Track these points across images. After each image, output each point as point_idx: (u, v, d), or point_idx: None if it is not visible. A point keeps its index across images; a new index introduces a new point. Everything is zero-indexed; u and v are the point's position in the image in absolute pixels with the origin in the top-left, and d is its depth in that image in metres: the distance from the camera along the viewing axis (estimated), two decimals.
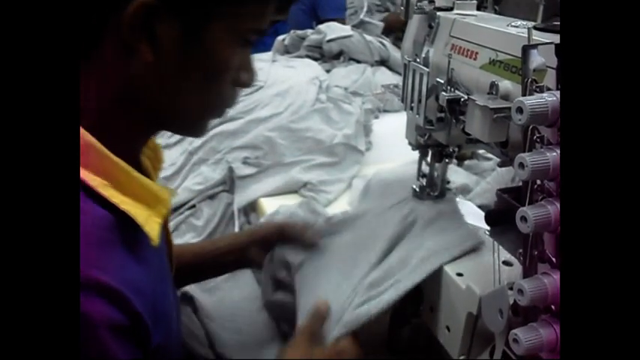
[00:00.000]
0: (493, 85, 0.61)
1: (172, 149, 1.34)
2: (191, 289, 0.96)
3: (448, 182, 0.87)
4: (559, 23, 0.58)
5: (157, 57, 0.52)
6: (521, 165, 0.46)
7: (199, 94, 0.57)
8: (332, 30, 1.88)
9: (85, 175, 0.50)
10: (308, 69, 1.64)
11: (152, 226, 0.54)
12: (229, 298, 0.99)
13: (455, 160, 0.85)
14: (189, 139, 1.35)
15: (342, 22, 2.49)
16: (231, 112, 1.38)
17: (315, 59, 1.82)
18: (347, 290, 0.76)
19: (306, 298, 0.79)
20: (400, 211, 0.83)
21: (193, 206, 1.23)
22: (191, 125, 0.62)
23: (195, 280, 0.95)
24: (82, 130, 0.50)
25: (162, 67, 0.53)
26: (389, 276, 0.74)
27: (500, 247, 0.64)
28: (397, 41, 2.01)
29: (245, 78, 0.61)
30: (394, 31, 2.63)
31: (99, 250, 0.49)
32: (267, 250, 0.88)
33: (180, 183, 1.28)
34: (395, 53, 1.83)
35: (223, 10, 0.54)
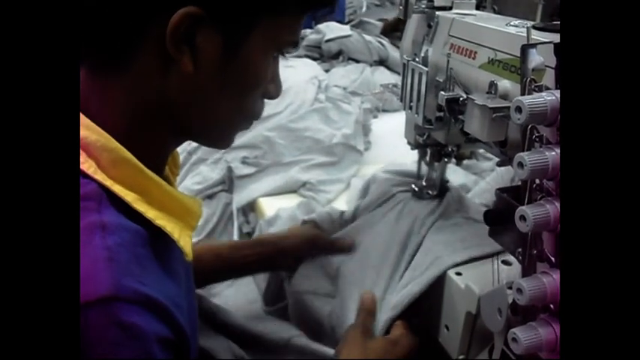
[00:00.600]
0: (492, 85, 0.61)
1: None
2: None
3: (447, 182, 0.87)
4: (558, 23, 0.59)
5: (196, 68, 0.51)
6: (520, 164, 0.46)
7: (233, 105, 0.57)
8: (331, 30, 1.89)
9: (119, 190, 0.49)
10: (307, 69, 1.65)
11: (185, 240, 0.54)
12: (233, 303, 0.99)
13: (454, 160, 0.85)
14: None
15: (340, 22, 2.49)
16: None
17: (314, 59, 1.83)
18: (383, 285, 0.78)
19: (350, 298, 0.80)
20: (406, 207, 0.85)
21: None
22: (220, 136, 0.61)
23: (215, 281, 0.95)
24: (117, 145, 0.50)
25: (201, 79, 0.52)
26: (422, 263, 0.77)
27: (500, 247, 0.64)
28: (395, 40, 2.01)
29: (273, 90, 0.61)
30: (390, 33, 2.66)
31: (141, 265, 0.48)
32: (297, 259, 0.89)
33: (180, 183, 1.28)
34: (394, 53, 1.84)
35: (263, 21, 0.53)
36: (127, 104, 0.52)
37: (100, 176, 0.48)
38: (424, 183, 0.87)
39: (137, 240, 0.49)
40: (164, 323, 0.47)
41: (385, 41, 1.91)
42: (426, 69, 0.72)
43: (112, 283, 0.44)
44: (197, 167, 1.32)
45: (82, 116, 0.49)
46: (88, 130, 0.49)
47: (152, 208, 0.51)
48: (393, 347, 0.72)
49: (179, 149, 0.67)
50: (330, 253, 0.89)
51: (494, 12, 0.82)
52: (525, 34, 0.54)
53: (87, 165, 0.48)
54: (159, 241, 0.52)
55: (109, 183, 0.49)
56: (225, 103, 0.56)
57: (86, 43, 0.49)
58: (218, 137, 0.61)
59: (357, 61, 1.81)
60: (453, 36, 0.70)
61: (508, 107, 0.53)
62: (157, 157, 0.57)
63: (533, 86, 0.50)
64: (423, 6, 0.76)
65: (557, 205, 0.46)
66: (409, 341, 0.73)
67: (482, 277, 0.68)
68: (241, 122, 0.60)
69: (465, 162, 1.23)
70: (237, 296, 1.05)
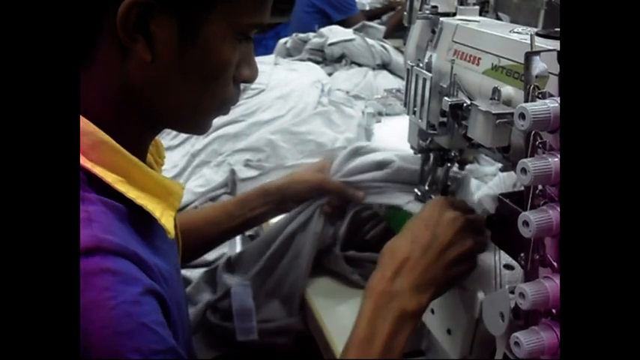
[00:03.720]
0: (495, 91, 0.61)
1: (174, 151, 1.35)
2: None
3: (449, 186, 0.88)
4: None
5: (154, 56, 0.52)
6: (524, 170, 0.46)
7: (200, 91, 0.57)
8: (334, 33, 1.89)
9: (100, 171, 0.50)
10: (310, 72, 1.65)
11: (167, 219, 0.55)
12: None
13: (456, 165, 0.85)
14: (191, 141, 1.35)
15: (360, 16, 2.50)
16: (232, 114, 1.39)
17: (317, 62, 1.83)
18: None
19: None
20: None
21: (195, 208, 1.24)
22: (193, 123, 0.62)
23: (228, 238, 0.99)
24: (94, 128, 0.51)
25: (161, 67, 0.53)
26: None
27: (501, 251, 0.65)
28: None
29: (247, 74, 0.61)
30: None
31: (120, 231, 0.49)
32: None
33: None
34: (397, 57, 1.84)
35: (219, 6, 0.53)
36: (96, 93, 0.53)
37: (80, 160, 0.49)
38: (427, 187, 0.87)
39: (115, 214, 0.50)
40: (149, 277, 0.48)
41: (388, 45, 1.91)
42: (430, 74, 0.73)
43: (94, 236, 0.45)
44: (200, 170, 1.33)
45: None
46: None
47: (133, 189, 0.52)
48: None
49: (181, 152, 0.68)
50: (338, 197, 0.90)
51: (497, 18, 0.83)
52: (528, 41, 0.54)
53: None
54: (140, 220, 0.53)
55: (89, 165, 0.49)
56: (190, 89, 0.56)
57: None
58: (190, 123, 0.62)
59: (360, 65, 1.81)
60: (456, 42, 0.70)
61: (511, 113, 0.53)
62: (135, 144, 0.58)
63: (536, 93, 0.50)
64: (427, 12, 0.76)
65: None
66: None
67: (484, 281, 0.68)
68: (214, 108, 0.60)
69: (468, 167, 1.24)
70: None
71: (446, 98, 0.68)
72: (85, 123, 0.51)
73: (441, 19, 0.74)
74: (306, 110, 1.42)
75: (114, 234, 0.47)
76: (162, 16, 0.51)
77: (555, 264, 0.50)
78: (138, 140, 0.59)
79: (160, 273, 0.51)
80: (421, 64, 0.76)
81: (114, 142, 0.52)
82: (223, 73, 0.58)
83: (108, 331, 0.43)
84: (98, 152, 0.50)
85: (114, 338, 0.43)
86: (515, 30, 0.64)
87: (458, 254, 0.63)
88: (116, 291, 0.44)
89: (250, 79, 0.62)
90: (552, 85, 0.51)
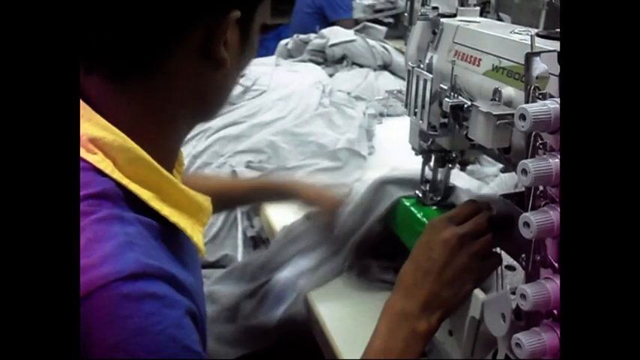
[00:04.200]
0: (496, 92, 0.61)
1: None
2: None
3: (451, 187, 0.88)
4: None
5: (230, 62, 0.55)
6: (524, 171, 0.46)
7: (235, 82, 0.61)
8: (335, 34, 1.89)
9: (135, 188, 0.51)
10: (311, 73, 1.65)
11: (198, 237, 0.56)
12: None
13: (458, 165, 0.85)
14: (193, 142, 1.36)
15: (351, 22, 2.50)
16: (234, 116, 1.39)
17: (318, 63, 1.83)
18: None
19: None
20: None
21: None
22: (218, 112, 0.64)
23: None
24: (132, 144, 0.51)
25: (230, 69, 0.56)
26: None
27: (503, 252, 0.65)
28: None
29: None
30: None
31: (157, 253, 0.50)
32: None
33: None
34: (398, 58, 1.84)
35: (259, 7, 0.57)
36: (149, 105, 0.54)
37: (117, 175, 0.50)
38: (428, 188, 0.87)
39: (151, 232, 0.50)
40: (185, 297, 0.49)
41: (389, 46, 1.92)
42: (431, 76, 0.73)
43: (139, 261, 0.46)
44: (201, 171, 1.33)
45: (99, 117, 0.51)
46: (105, 130, 0.50)
47: (166, 206, 0.53)
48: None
49: (183, 153, 0.68)
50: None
51: (498, 19, 0.83)
52: (529, 42, 0.54)
53: (104, 164, 0.49)
54: (171, 236, 0.53)
55: (125, 182, 0.50)
56: (235, 80, 0.61)
57: (104, 51, 0.50)
58: (215, 114, 0.64)
59: (361, 66, 1.81)
60: (457, 43, 0.70)
61: (512, 114, 0.53)
62: (170, 155, 0.59)
63: (537, 94, 0.50)
64: (428, 13, 0.77)
65: None
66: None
67: (485, 282, 0.68)
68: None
69: (469, 167, 1.24)
70: None
71: (447, 99, 0.68)
72: (123, 139, 0.51)
73: (442, 20, 0.74)
74: (307, 111, 1.42)
75: (154, 257, 0.47)
76: (234, 24, 0.54)
77: (556, 265, 0.50)
78: (174, 149, 0.61)
79: (192, 289, 0.52)
80: (422, 65, 0.76)
81: (151, 159, 0.52)
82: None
83: (155, 355, 0.44)
84: (135, 168, 0.51)
85: None
86: (516, 31, 0.64)
87: (454, 274, 0.65)
88: (161, 315, 0.45)
89: None
90: (553, 86, 0.51)
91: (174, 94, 0.55)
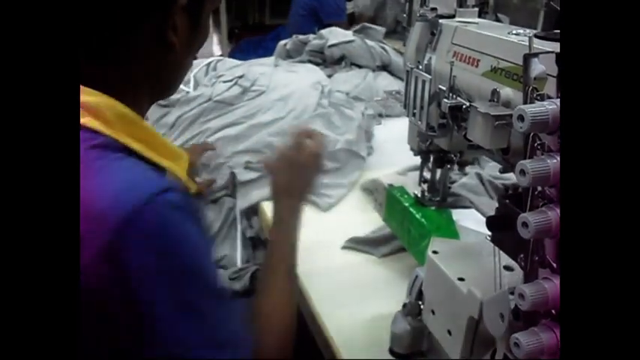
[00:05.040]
0: (494, 93, 0.61)
1: None
2: None
3: (449, 187, 0.88)
4: (559, 32, 0.59)
5: (179, 44, 0.63)
6: (523, 172, 0.47)
7: (189, 63, 0.70)
8: (334, 35, 1.89)
9: (127, 141, 0.58)
10: (310, 74, 1.65)
11: (185, 178, 0.64)
12: None
13: (456, 166, 0.85)
14: (192, 142, 1.36)
15: (344, 25, 2.51)
16: (233, 116, 1.39)
17: (317, 64, 1.83)
18: None
19: None
20: None
21: None
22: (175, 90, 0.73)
23: None
24: (116, 102, 0.59)
25: (180, 51, 0.64)
26: None
27: (501, 252, 0.65)
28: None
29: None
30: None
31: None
32: None
33: None
34: (396, 58, 1.84)
35: None
36: (117, 83, 0.61)
37: (109, 131, 0.57)
38: (426, 189, 0.87)
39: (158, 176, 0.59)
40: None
41: (388, 47, 1.92)
42: (430, 76, 0.73)
43: (161, 180, 0.56)
44: (201, 172, 1.33)
45: (83, 87, 0.58)
46: (91, 95, 0.58)
47: (155, 154, 0.61)
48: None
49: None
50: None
51: (497, 20, 0.83)
52: (527, 43, 0.55)
53: (96, 124, 0.57)
54: None
55: (117, 136, 0.58)
56: (188, 61, 0.69)
57: (87, 38, 0.58)
58: (175, 89, 0.73)
59: (360, 67, 1.81)
60: (456, 44, 0.71)
61: (510, 115, 0.53)
62: (142, 117, 0.67)
63: (535, 95, 0.51)
64: (427, 14, 0.77)
65: (559, 212, 0.47)
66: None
67: (484, 282, 0.68)
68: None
69: (468, 168, 1.24)
70: None
71: (445, 100, 0.68)
72: (107, 99, 0.58)
73: (441, 21, 0.75)
74: (306, 112, 1.43)
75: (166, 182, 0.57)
76: (182, 11, 0.62)
77: (554, 265, 0.50)
78: (144, 114, 0.69)
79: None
80: (421, 66, 0.76)
81: (133, 113, 0.60)
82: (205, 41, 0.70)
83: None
84: (122, 122, 0.58)
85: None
86: (514, 32, 0.65)
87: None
88: (194, 220, 0.56)
89: None
90: (551, 86, 0.51)
91: (135, 74, 0.62)
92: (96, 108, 0.57)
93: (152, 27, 0.60)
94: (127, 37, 0.60)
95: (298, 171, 0.88)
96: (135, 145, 0.59)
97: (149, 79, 0.65)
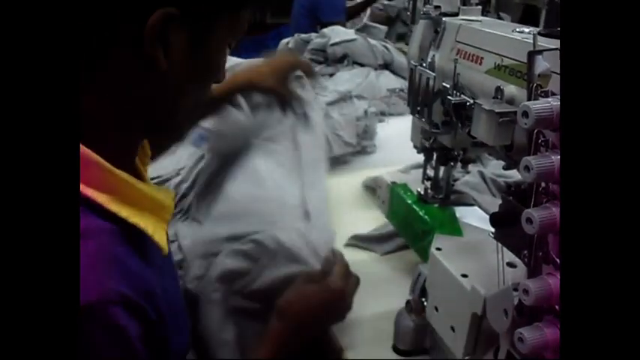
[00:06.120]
0: (498, 90, 0.62)
1: (180, 148, 1.35)
2: None
3: (453, 184, 0.88)
4: None
5: (170, 65, 0.53)
6: (527, 168, 0.47)
7: (196, 95, 0.60)
8: (336, 34, 1.89)
9: (90, 192, 0.50)
10: None
11: (160, 235, 0.56)
12: None
13: (460, 163, 0.86)
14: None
15: (343, 24, 2.51)
16: None
17: (319, 63, 1.83)
18: None
19: None
20: None
21: None
22: (181, 129, 0.65)
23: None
24: (83, 148, 0.50)
25: (173, 74, 0.54)
26: None
27: (504, 249, 0.65)
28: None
29: (221, 77, 0.63)
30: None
31: (120, 265, 0.50)
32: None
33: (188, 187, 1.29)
34: (398, 57, 1.85)
35: (226, 18, 0.56)
36: (100, 104, 0.53)
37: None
38: (429, 186, 0.88)
39: (114, 239, 0.51)
40: (140, 320, 0.51)
41: (390, 45, 1.92)
42: (433, 74, 0.73)
43: (98, 288, 0.47)
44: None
45: None
46: None
47: (125, 207, 0.53)
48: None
49: (189, 150, 0.68)
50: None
51: (499, 18, 0.83)
52: (531, 40, 0.55)
53: None
54: (134, 235, 0.53)
55: (81, 187, 0.49)
56: (191, 95, 0.58)
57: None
58: (179, 130, 0.65)
59: (362, 65, 1.81)
60: (459, 42, 0.71)
61: (514, 112, 0.54)
62: (126, 153, 0.59)
63: (539, 92, 0.51)
64: (430, 12, 0.77)
65: None
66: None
67: (487, 278, 0.69)
68: (198, 113, 0.66)
69: (470, 166, 1.24)
70: None
71: (449, 98, 0.68)
72: None
73: (444, 18, 0.75)
74: None
75: (113, 278, 0.49)
76: (179, 27, 0.52)
77: (558, 261, 0.50)
78: (130, 148, 0.61)
79: (154, 291, 0.54)
80: (424, 64, 0.77)
81: (104, 162, 0.52)
82: (215, 77, 0.61)
83: None
84: (89, 172, 0.50)
85: None
86: (518, 29, 0.65)
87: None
88: (114, 346, 0.48)
89: (221, 80, 0.64)
90: (555, 83, 0.51)
91: (119, 93, 0.54)
92: None
93: (131, 38, 0.51)
94: (105, 48, 0.52)
95: (314, 315, 0.77)
96: (100, 198, 0.51)
97: (139, 109, 0.56)
